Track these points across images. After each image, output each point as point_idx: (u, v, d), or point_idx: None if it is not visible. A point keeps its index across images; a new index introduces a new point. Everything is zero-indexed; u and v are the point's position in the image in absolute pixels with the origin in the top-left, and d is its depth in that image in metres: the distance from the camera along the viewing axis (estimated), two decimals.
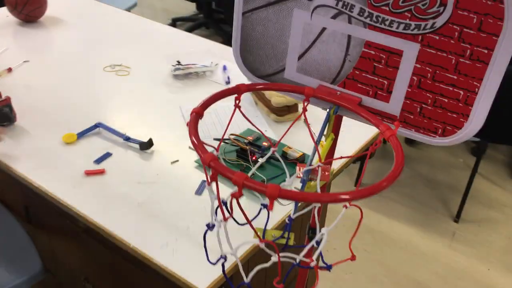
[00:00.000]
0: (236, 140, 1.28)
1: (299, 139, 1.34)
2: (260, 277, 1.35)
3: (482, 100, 0.63)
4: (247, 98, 1.55)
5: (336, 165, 1.24)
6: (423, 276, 2.07)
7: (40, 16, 1.96)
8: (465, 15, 0.60)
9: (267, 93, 1.47)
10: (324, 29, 0.69)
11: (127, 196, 1.13)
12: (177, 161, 1.25)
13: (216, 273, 0.95)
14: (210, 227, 0.61)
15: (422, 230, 2.31)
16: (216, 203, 0.58)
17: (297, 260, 0.59)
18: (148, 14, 4.66)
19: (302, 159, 1.22)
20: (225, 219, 0.57)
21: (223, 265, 0.63)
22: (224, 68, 1.69)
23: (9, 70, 1.60)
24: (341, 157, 0.86)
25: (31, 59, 1.69)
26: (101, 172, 1.19)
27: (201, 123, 1.39)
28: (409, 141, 2.95)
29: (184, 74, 1.63)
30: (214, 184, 0.58)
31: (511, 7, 0.57)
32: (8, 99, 1.32)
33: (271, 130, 1.40)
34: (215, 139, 1.31)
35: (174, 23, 4.36)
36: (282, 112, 1.44)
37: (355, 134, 1.36)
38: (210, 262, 0.66)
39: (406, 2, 0.63)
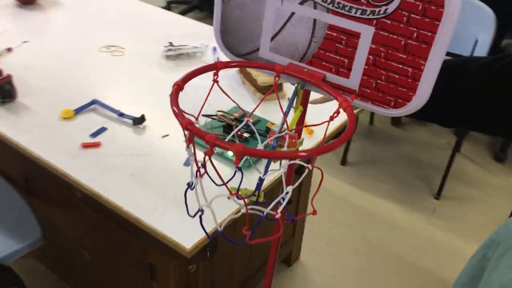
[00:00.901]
0: (223, 116, 1.38)
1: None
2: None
3: (426, 76, 0.73)
4: (235, 77, 1.64)
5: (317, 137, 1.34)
6: (403, 250, 2.19)
7: None
8: (412, 2, 0.70)
9: (254, 73, 1.56)
10: (293, 13, 0.78)
11: (121, 166, 1.23)
12: (168, 135, 1.34)
13: (200, 234, 1.05)
14: (190, 185, 0.71)
15: (403, 206, 2.43)
16: (194, 164, 0.68)
17: (264, 213, 0.69)
18: None
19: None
20: (201, 176, 0.67)
21: (200, 217, 0.73)
22: (214, 49, 1.77)
23: (9, 50, 1.68)
24: (306, 126, 0.96)
25: (30, 39, 1.77)
26: (97, 144, 1.29)
27: (192, 101, 1.48)
28: (394, 122, 3.05)
29: (176, 54, 1.72)
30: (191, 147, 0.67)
31: None
32: (9, 77, 1.40)
33: (255, 105, 1.49)
34: (203, 115, 1.41)
35: (169, 5, 4.42)
36: (267, 91, 1.53)
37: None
38: (190, 215, 0.75)
39: None
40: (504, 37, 2.72)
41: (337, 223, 2.30)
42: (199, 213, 0.71)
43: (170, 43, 1.76)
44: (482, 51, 2.47)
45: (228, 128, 1.35)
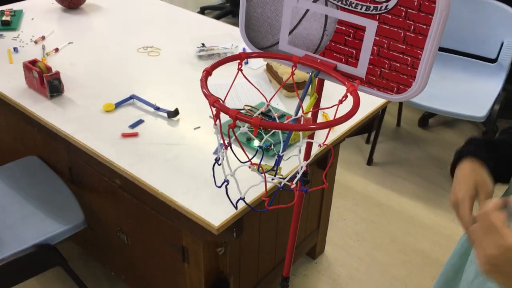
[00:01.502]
0: (250, 110, 1.48)
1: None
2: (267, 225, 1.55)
3: (424, 64, 0.82)
4: (262, 76, 1.74)
5: (338, 131, 1.43)
6: (426, 246, 2.24)
7: (82, 3, 2.19)
8: None
9: (280, 72, 1.66)
10: (307, 10, 0.89)
11: (156, 154, 1.35)
12: (199, 127, 1.46)
13: (228, 214, 1.16)
14: (217, 160, 0.81)
15: (427, 205, 2.47)
16: (221, 145, 0.79)
17: (281, 184, 0.78)
18: (178, 2, 4.88)
19: None
20: (226, 148, 0.77)
21: (226, 188, 0.83)
22: (244, 50, 1.88)
23: (56, 50, 1.84)
24: (320, 108, 1.05)
25: (75, 41, 1.92)
26: (135, 135, 1.41)
27: (223, 97, 1.60)
28: (422, 124, 3.09)
29: (208, 55, 1.83)
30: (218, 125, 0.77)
31: None
32: (57, 73, 1.55)
33: (282, 103, 1.59)
34: (236, 109, 1.52)
35: (203, 11, 4.57)
36: (292, 88, 1.63)
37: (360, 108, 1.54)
38: (217, 186, 0.86)
39: None
40: None
41: (362, 219, 2.37)
42: (225, 183, 0.81)
43: (203, 44, 1.88)
44: (508, 53, 2.50)
45: None
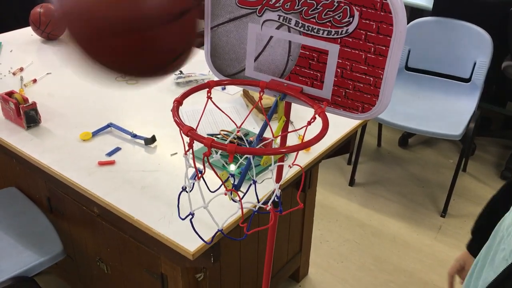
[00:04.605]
0: (226, 135, 1.50)
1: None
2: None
3: (386, 83, 0.86)
4: (239, 101, 1.77)
5: (318, 149, 1.45)
6: (409, 265, 2.24)
7: (61, 34, 2.22)
8: (368, 23, 0.83)
9: (256, 97, 1.69)
10: (271, 37, 0.92)
11: (133, 181, 1.35)
12: (176, 153, 1.47)
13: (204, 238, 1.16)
14: (184, 188, 0.83)
15: (410, 224, 2.49)
16: (190, 170, 0.80)
17: (256, 207, 0.80)
18: None
19: None
20: (198, 178, 0.79)
21: (191, 221, 0.84)
22: None
23: (34, 81, 1.85)
24: (288, 132, 1.07)
25: (53, 71, 1.94)
26: (111, 163, 1.42)
27: (197, 122, 1.62)
28: (402, 144, 3.13)
29: (185, 81, 1.86)
30: (189, 154, 0.79)
31: (397, 16, 0.80)
32: (34, 104, 1.55)
33: (258, 127, 1.61)
34: (208, 134, 1.53)
35: None
36: (267, 111, 1.65)
37: (335, 130, 1.57)
38: (181, 218, 0.87)
39: (327, 15, 0.85)
40: (504, 60, 2.81)
41: (345, 241, 2.38)
42: (190, 216, 0.82)
43: (180, 71, 1.91)
44: (480, 72, 2.56)
45: None
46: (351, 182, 2.76)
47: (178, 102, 0.85)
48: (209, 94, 0.92)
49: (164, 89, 1.83)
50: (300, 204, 0.86)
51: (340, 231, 2.43)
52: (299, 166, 0.85)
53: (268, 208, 0.79)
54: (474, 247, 1.12)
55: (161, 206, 1.27)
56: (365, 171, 2.88)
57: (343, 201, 2.64)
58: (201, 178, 0.81)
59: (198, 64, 2.03)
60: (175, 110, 0.82)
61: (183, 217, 0.85)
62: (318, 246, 2.33)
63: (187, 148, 0.79)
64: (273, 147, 0.89)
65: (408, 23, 2.74)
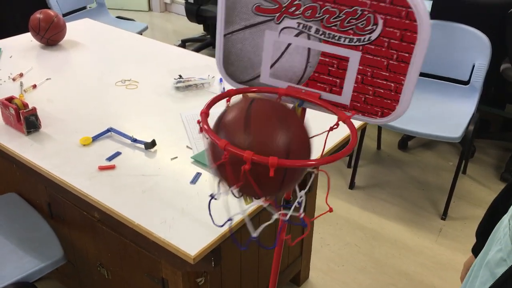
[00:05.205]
0: None
1: None
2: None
3: (406, 89, 0.86)
4: None
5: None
6: (410, 268, 2.24)
7: (60, 40, 2.22)
8: (391, 30, 0.83)
9: None
10: (289, 44, 0.92)
11: (133, 185, 1.35)
12: (176, 157, 1.47)
13: (203, 242, 1.16)
14: (213, 196, 0.83)
15: (410, 227, 2.49)
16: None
17: (287, 216, 0.80)
18: (160, 36, 4.95)
19: None
20: (237, 186, 0.79)
21: (230, 226, 0.84)
22: (220, 80, 1.92)
23: (34, 86, 1.85)
24: (313, 136, 1.08)
25: (53, 77, 1.94)
26: (112, 167, 1.42)
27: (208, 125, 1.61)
28: (402, 147, 3.13)
29: (185, 86, 1.86)
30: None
31: (421, 25, 0.81)
32: (34, 110, 1.56)
33: None
34: None
35: (184, 44, 4.64)
36: None
37: (336, 133, 1.57)
38: (218, 225, 0.87)
39: (349, 23, 0.85)
40: (503, 62, 2.82)
41: (345, 244, 2.38)
42: (229, 222, 0.82)
43: (180, 75, 1.91)
44: (479, 75, 2.57)
45: None
46: (351, 185, 2.76)
47: (206, 114, 0.85)
48: (228, 103, 0.92)
49: (163, 93, 1.84)
50: (330, 208, 0.86)
51: (340, 234, 2.43)
52: (324, 171, 0.86)
53: (301, 216, 0.80)
54: (479, 250, 1.13)
55: (161, 210, 1.27)
56: (365, 174, 2.88)
57: (343, 204, 2.64)
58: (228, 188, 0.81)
59: (197, 68, 2.03)
60: (205, 123, 0.82)
61: (221, 224, 0.86)
62: (318, 250, 2.33)
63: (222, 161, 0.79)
64: None
65: None
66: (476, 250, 1.11)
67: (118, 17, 3.82)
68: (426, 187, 2.78)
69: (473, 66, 2.59)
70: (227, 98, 0.94)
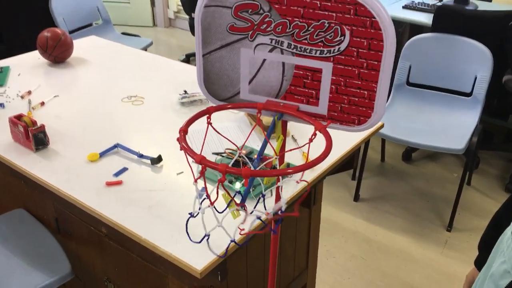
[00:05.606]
0: (231, 153, 1.53)
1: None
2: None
3: (379, 96, 0.89)
4: (243, 119, 1.80)
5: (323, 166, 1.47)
6: (416, 280, 2.24)
7: (67, 57, 2.26)
8: (359, 40, 0.87)
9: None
10: (264, 60, 0.95)
11: (140, 201, 1.37)
12: (182, 172, 1.49)
13: (210, 257, 1.17)
14: (193, 215, 0.85)
15: (416, 239, 2.49)
16: (201, 195, 0.82)
17: (262, 217, 0.82)
18: (165, 51, 5.01)
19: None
20: (212, 204, 0.81)
21: (207, 241, 0.86)
22: None
23: (42, 103, 1.89)
24: (291, 149, 1.10)
25: (60, 94, 1.98)
26: (119, 183, 1.44)
27: (200, 142, 1.64)
28: (406, 159, 3.14)
29: (190, 101, 1.89)
30: (199, 181, 0.81)
31: (386, 32, 0.85)
32: (42, 127, 1.58)
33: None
34: (213, 153, 1.56)
35: (188, 58, 4.69)
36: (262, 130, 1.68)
37: (338, 147, 1.59)
38: (194, 241, 0.88)
39: (318, 36, 0.89)
40: (505, 74, 2.83)
41: (351, 256, 2.38)
42: (206, 238, 0.84)
43: (185, 91, 1.94)
44: (481, 87, 2.59)
45: (236, 164, 1.49)
46: (356, 198, 2.77)
47: (184, 131, 0.88)
48: (209, 120, 0.94)
49: (169, 109, 1.87)
50: (296, 212, 0.87)
51: (346, 247, 2.44)
52: (306, 181, 0.87)
53: (268, 216, 0.81)
54: (482, 262, 1.13)
55: (168, 225, 1.28)
56: (370, 187, 2.89)
57: (348, 216, 2.65)
58: (208, 199, 0.83)
59: None
60: (183, 140, 0.85)
61: (198, 241, 0.87)
62: (324, 263, 2.33)
63: (196, 175, 0.81)
64: (273, 165, 0.91)
65: (408, 39, 2.78)
66: (479, 262, 1.12)
67: (123, 33, 3.87)
68: (431, 199, 2.79)
69: (475, 78, 2.61)
70: (207, 115, 0.97)
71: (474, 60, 2.61)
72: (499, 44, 2.60)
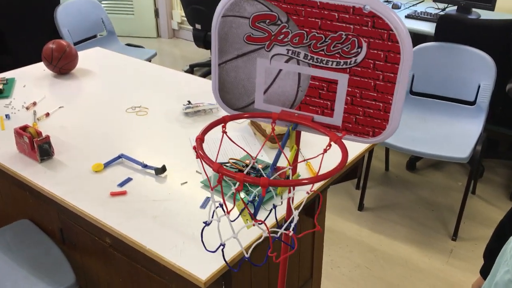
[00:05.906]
0: (235, 163, 1.53)
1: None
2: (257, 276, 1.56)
3: (395, 108, 0.89)
4: (247, 129, 1.80)
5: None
6: None
7: (72, 68, 2.28)
8: (376, 52, 0.87)
9: (263, 125, 1.72)
10: (280, 70, 0.96)
11: (144, 211, 1.38)
12: (186, 182, 1.50)
13: (214, 267, 1.17)
14: (207, 224, 0.85)
15: (421, 248, 2.48)
16: (216, 204, 0.83)
17: (278, 234, 0.82)
18: (169, 61, 5.04)
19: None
20: (228, 212, 0.81)
21: (222, 251, 0.86)
22: None
23: (47, 114, 1.90)
24: (304, 160, 1.10)
25: (65, 105, 1.99)
26: (123, 193, 1.45)
27: (208, 150, 1.64)
28: (410, 168, 3.13)
29: (194, 111, 1.90)
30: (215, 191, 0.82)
31: (403, 45, 0.84)
32: (47, 138, 1.60)
33: (266, 155, 1.64)
34: (219, 163, 1.56)
35: (192, 68, 4.71)
36: (275, 140, 1.68)
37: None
38: (209, 251, 0.89)
39: (335, 47, 0.89)
40: (509, 82, 2.83)
41: (356, 266, 2.37)
42: (221, 247, 0.84)
43: (189, 101, 1.95)
44: (485, 95, 2.59)
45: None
46: (360, 207, 2.76)
47: (201, 140, 0.88)
48: (224, 128, 0.95)
49: (173, 119, 1.87)
50: (318, 226, 0.88)
51: (350, 256, 2.43)
52: (318, 192, 0.88)
53: (291, 234, 0.82)
54: (487, 271, 1.13)
55: (173, 235, 1.28)
56: (374, 196, 2.88)
57: (353, 226, 2.64)
58: (221, 208, 0.83)
59: (205, 94, 2.07)
60: (200, 148, 0.85)
61: (213, 250, 0.88)
62: (329, 272, 2.32)
63: (213, 183, 0.82)
64: (287, 175, 0.92)
65: None
66: (485, 271, 1.12)
67: (127, 44, 3.90)
68: (436, 208, 2.78)
69: (479, 87, 2.61)
70: (223, 124, 0.97)
71: (477, 69, 2.61)
72: (502, 53, 2.60)
